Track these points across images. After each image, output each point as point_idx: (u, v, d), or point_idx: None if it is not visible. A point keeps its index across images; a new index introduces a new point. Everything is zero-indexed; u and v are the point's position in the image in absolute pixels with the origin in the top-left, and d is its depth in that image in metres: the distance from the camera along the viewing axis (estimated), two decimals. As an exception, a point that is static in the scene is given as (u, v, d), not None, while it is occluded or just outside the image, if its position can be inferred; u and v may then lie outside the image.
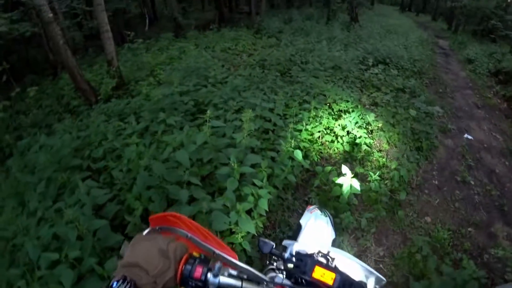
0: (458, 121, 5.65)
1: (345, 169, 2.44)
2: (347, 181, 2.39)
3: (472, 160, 4.35)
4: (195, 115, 3.89)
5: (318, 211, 1.69)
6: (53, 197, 2.60)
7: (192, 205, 2.26)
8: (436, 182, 3.79)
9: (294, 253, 0.94)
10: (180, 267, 0.70)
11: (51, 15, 5.02)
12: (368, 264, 1.03)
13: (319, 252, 1.01)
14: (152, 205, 2.41)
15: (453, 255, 2.79)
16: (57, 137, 3.55)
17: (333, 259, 1.01)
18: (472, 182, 3.89)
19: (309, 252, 1.01)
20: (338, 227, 2.72)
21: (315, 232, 1.50)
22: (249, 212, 2.45)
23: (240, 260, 0.83)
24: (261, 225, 2.48)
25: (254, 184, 2.49)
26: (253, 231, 2.24)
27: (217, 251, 0.79)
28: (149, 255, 0.68)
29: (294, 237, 1.62)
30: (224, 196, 2.37)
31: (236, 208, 2.22)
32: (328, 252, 1.01)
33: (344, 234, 2.80)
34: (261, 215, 2.46)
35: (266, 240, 0.94)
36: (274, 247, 0.95)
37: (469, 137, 5.07)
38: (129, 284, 0.60)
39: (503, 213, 3.47)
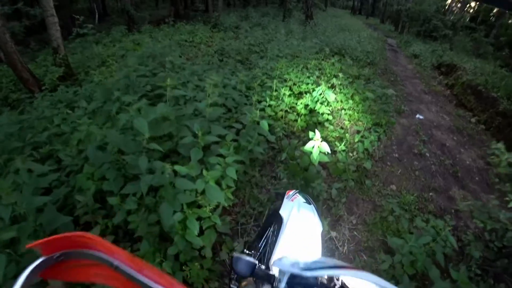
0: (410, 104, 6.00)
1: (314, 133, 2.39)
2: (317, 143, 2.33)
3: (425, 136, 4.60)
4: (153, 98, 3.64)
5: (300, 198, 1.49)
6: None
7: (152, 175, 2.03)
8: (397, 155, 3.92)
9: (287, 275, 0.67)
10: None
11: None
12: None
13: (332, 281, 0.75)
14: (106, 183, 2.15)
15: (420, 216, 2.86)
16: None
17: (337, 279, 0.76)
18: (428, 154, 4.10)
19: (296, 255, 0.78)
20: (311, 197, 2.65)
21: (301, 227, 1.27)
22: (217, 184, 2.29)
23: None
24: (231, 197, 2.32)
25: (220, 156, 2.33)
26: (222, 201, 2.07)
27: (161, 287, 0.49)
28: None
29: (276, 230, 1.41)
30: (188, 166, 2.18)
31: (203, 177, 2.03)
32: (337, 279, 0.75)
33: (318, 204, 2.73)
34: (229, 187, 2.30)
35: (244, 256, 0.68)
36: (257, 266, 0.69)
37: (421, 117, 5.38)
38: None
39: (457, 179, 3.69)
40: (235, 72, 4.38)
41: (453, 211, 3.08)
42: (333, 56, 7.01)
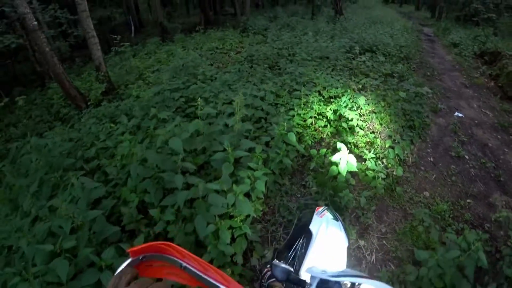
0: (447, 100, 5.71)
1: (340, 144, 2.43)
2: (344, 157, 2.38)
3: (464, 136, 4.38)
4: (186, 111, 3.87)
5: (329, 215, 1.62)
6: (47, 197, 2.57)
7: (188, 191, 2.22)
8: (431, 159, 3.80)
9: (317, 283, 0.79)
10: None
11: (35, 22, 5.00)
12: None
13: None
14: (148, 196, 2.40)
15: (454, 225, 2.80)
16: (48, 139, 3.51)
17: None
18: (467, 157, 3.92)
19: (324, 267, 0.89)
20: (338, 206, 2.71)
21: (328, 242, 1.42)
22: (247, 196, 2.43)
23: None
24: (260, 208, 2.46)
25: (250, 168, 2.47)
26: (251, 213, 2.22)
27: (222, 286, 0.61)
28: None
29: (306, 244, 1.56)
30: (220, 181, 2.34)
31: (233, 191, 2.19)
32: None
33: (345, 214, 2.78)
34: (259, 198, 2.43)
35: (281, 263, 0.79)
36: (292, 272, 0.81)
37: (460, 114, 5.11)
38: None
39: (499, 184, 3.49)
40: (264, 80, 4.48)
41: (492, 219, 2.95)
42: (364, 53, 6.84)
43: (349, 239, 1.59)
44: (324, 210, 1.72)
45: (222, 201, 2.11)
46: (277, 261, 0.84)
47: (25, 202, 2.41)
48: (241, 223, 2.30)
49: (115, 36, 6.95)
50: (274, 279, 1.15)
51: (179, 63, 5.63)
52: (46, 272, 1.68)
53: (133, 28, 15.01)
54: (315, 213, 1.70)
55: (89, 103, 5.58)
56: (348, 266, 1.43)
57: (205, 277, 0.61)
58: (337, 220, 1.63)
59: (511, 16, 13.35)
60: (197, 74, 5.03)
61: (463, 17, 15.90)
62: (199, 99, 2.61)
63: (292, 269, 0.82)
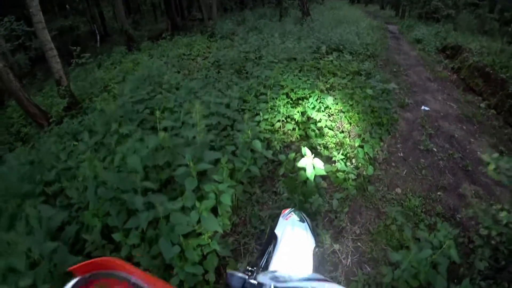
0: (414, 95, 5.84)
1: (305, 150, 2.36)
2: (309, 162, 2.30)
3: (432, 129, 4.46)
4: (152, 123, 3.69)
5: (295, 216, 1.57)
6: (4, 228, 2.34)
7: (149, 211, 2.07)
8: (401, 154, 3.82)
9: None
10: None
11: None
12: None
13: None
14: (110, 219, 2.23)
15: (427, 220, 2.79)
16: (4, 165, 3.24)
17: None
18: (435, 149, 3.97)
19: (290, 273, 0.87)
20: (309, 212, 2.63)
21: (294, 245, 1.36)
22: (215, 210, 2.31)
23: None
24: (228, 222, 2.33)
25: (215, 181, 2.34)
26: (218, 229, 2.09)
27: None
28: None
29: (271, 246, 1.50)
30: (183, 197, 2.20)
31: (196, 207, 2.05)
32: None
33: (318, 218, 2.71)
34: (226, 212, 2.31)
35: (236, 272, 0.81)
36: (246, 280, 0.80)
37: (426, 108, 5.22)
38: None
39: (468, 173, 3.55)
40: (231, 86, 4.37)
41: (463, 210, 2.97)
42: (331, 53, 6.90)
43: (316, 239, 1.51)
44: (290, 212, 1.65)
45: (185, 220, 1.97)
46: (232, 271, 0.84)
47: None
48: (210, 240, 2.17)
49: (75, 48, 6.63)
50: None
51: (144, 72, 5.42)
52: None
53: (98, 37, 14.51)
54: (281, 216, 1.63)
55: (51, 120, 5.25)
56: (315, 268, 1.35)
57: None
58: (303, 222, 1.56)
59: (469, 12, 14.06)
60: (162, 83, 4.85)
61: (425, 14, 16.56)
62: (157, 111, 2.46)
63: (246, 277, 0.81)
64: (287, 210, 1.66)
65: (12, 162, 3.27)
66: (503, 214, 2.26)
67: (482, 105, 5.58)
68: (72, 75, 8.57)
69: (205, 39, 9.91)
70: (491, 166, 2.03)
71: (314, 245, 1.41)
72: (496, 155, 2.07)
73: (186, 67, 6.88)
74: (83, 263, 0.63)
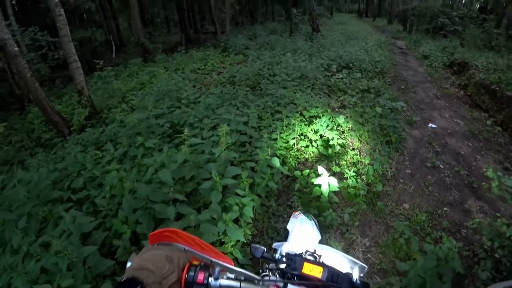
0: (421, 112, 6.04)
1: (321, 169, 2.58)
2: (325, 180, 2.53)
3: (438, 146, 4.65)
4: (172, 136, 3.96)
5: (303, 216, 1.79)
6: (35, 231, 2.54)
7: (180, 221, 2.31)
8: (409, 171, 4.02)
9: (284, 254, 1.03)
10: (184, 274, 0.75)
11: (16, 48, 5.00)
12: (353, 256, 1.15)
13: (307, 251, 1.12)
14: (140, 227, 2.45)
15: (433, 234, 2.97)
16: (33, 172, 3.49)
17: (320, 256, 1.13)
18: (442, 166, 4.16)
19: (298, 252, 1.11)
20: (323, 225, 2.84)
21: (302, 235, 1.59)
22: (236, 221, 2.53)
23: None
24: (249, 233, 2.56)
25: (237, 195, 2.58)
26: (241, 239, 2.32)
27: (214, 260, 0.87)
28: (156, 259, 0.73)
29: (283, 241, 1.70)
30: (210, 209, 2.44)
31: (223, 219, 2.29)
32: (315, 250, 1.12)
33: (330, 231, 2.91)
34: (248, 223, 2.54)
35: (257, 245, 1.03)
36: (265, 251, 1.03)
37: (433, 126, 5.42)
38: (137, 282, 0.65)
39: (473, 190, 3.72)
40: (246, 103, 4.65)
41: (468, 225, 3.15)
42: (341, 70, 7.17)
43: (321, 234, 1.74)
44: (299, 213, 1.91)
45: (213, 230, 2.21)
46: (254, 244, 1.05)
47: (14, 239, 2.39)
48: (232, 249, 2.40)
49: (98, 61, 7.01)
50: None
51: (163, 87, 5.74)
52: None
53: (114, 48, 15.07)
54: (292, 216, 1.86)
55: (72, 129, 5.55)
56: None
57: (201, 254, 0.88)
58: (311, 220, 1.81)
59: (476, 27, 14.22)
60: (180, 98, 5.15)
61: (432, 30, 16.80)
62: (185, 130, 2.73)
63: (265, 249, 1.03)
64: (297, 212, 1.92)
65: (40, 170, 3.52)
66: (506, 228, 2.44)
67: (489, 122, 5.74)
68: (90, 86, 8.96)
69: (218, 54, 10.29)
70: (495, 184, 2.22)
71: (319, 238, 1.63)
72: (499, 173, 2.26)
73: (202, 82, 7.21)
74: (158, 231, 0.87)
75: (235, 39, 11.97)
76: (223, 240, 2.38)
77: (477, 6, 19.14)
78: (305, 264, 0.95)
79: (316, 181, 2.58)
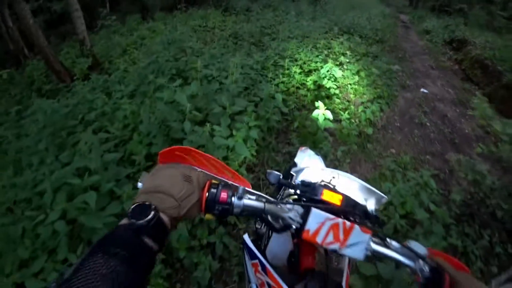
0: (415, 79, 6.30)
1: (319, 103, 2.87)
2: (321, 112, 2.82)
3: (427, 108, 4.97)
4: (181, 76, 4.13)
5: (311, 151, 1.80)
6: (55, 153, 2.64)
7: (194, 134, 2.55)
8: (398, 124, 4.35)
9: (300, 181, 0.98)
10: (205, 192, 0.68)
11: None
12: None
13: (322, 180, 1.08)
14: (155, 147, 2.68)
15: (416, 173, 3.34)
16: (47, 104, 3.63)
17: (335, 185, 1.08)
18: (428, 124, 4.50)
19: (313, 180, 1.08)
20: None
21: (312, 166, 1.63)
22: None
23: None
24: (254, 153, 2.86)
25: (244, 122, 2.86)
26: (248, 155, 2.62)
27: (231, 182, 0.77)
28: (172, 180, 0.64)
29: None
30: (219, 129, 2.71)
31: (232, 136, 2.57)
32: (331, 179, 1.08)
33: (324, 162, 3.25)
34: (252, 146, 2.84)
35: (274, 171, 0.98)
36: (281, 177, 0.99)
37: (425, 91, 5.71)
38: (150, 208, 0.57)
39: (454, 145, 4.09)
40: (250, 54, 4.83)
41: (447, 170, 3.52)
42: (342, 35, 7.30)
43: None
44: (306, 148, 2.12)
45: (225, 143, 2.49)
46: (269, 170, 1.01)
47: (34, 159, 2.53)
48: (239, 167, 2.71)
49: (101, 9, 6.96)
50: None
51: (167, 38, 5.82)
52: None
53: (108, 4, 14.61)
54: (299, 151, 2.11)
55: (74, 78, 5.62)
56: None
57: (217, 176, 0.77)
58: (318, 155, 2.05)
59: (482, 7, 14.21)
60: (185, 48, 5.28)
61: (438, 7, 16.65)
62: (198, 62, 2.94)
63: (281, 174, 0.98)
64: (304, 147, 2.14)
65: (54, 104, 3.57)
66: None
67: (477, 93, 6.06)
68: (90, 39, 8.87)
69: (219, 13, 10.19)
70: (479, 112, 2.56)
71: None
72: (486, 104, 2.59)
73: (204, 38, 7.27)
74: (167, 149, 0.74)
75: (237, 0, 11.79)
76: (230, 158, 2.68)
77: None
78: (325, 191, 0.90)
79: (314, 113, 2.86)
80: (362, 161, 3.47)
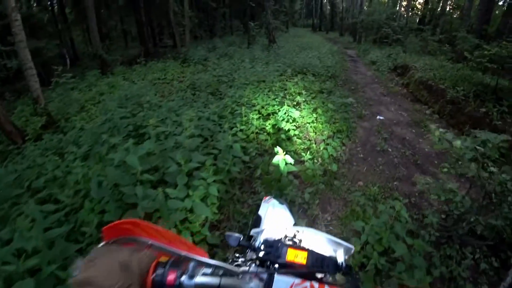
0: (370, 108, 6.60)
1: (278, 149, 2.81)
2: (281, 157, 2.75)
3: (386, 134, 5.13)
4: (136, 138, 3.98)
5: (275, 200, 1.78)
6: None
7: (147, 200, 2.34)
8: (361, 155, 4.40)
9: (262, 241, 0.93)
10: (149, 277, 0.63)
11: None
12: (333, 235, 1.02)
13: (286, 236, 1.03)
14: (107, 215, 2.43)
15: (386, 204, 3.28)
16: None
17: (300, 240, 1.04)
18: (390, 150, 4.60)
19: (277, 238, 1.03)
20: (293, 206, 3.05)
21: (276, 219, 1.55)
22: (202, 201, 2.64)
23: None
24: (216, 212, 2.67)
25: (202, 179, 2.71)
26: (209, 215, 2.43)
27: (184, 253, 0.70)
28: (107, 270, 0.59)
29: (256, 227, 1.66)
30: (177, 189, 2.53)
31: (189, 196, 2.39)
32: (295, 234, 1.04)
33: (293, 208, 3.12)
34: (213, 203, 2.66)
35: (233, 233, 0.94)
36: (242, 239, 0.94)
37: (381, 117, 5.96)
38: None
39: (418, 166, 4.17)
40: (207, 105, 4.82)
41: (416, 194, 3.53)
42: (296, 75, 7.63)
43: (294, 218, 1.88)
44: (270, 198, 1.99)
45: (181, 205, 2.30)
46: (229, 232, 0.95)
47: None
48: (201, 228, 2.50)
49: (56, 67, 6.80)
50: None
51: (125, 93, 5.74)
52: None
53: (68, 60, 14.56)
54: (263, 201, 1.97)
55: (26, 138, 5.29)
56: None
57: (169, 248, 0.69)
58: (282, 204, 1.92)
59: (415, 35, 15.89)
60: (142, 103, 5.20)
61: (378, 39, 18.34)
62: (150, 120, 2.82)
63: (241, 236, 0.93)
64: (268, 197, 2.01)
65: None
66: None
67: (428, 111, 6.44)
68: (46, 95, 8.54)
69: (178, 65, 10.41)
70: (435, 137, 2.60)
71: (293, 221, 1.60)
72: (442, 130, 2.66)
73: (163, 90, 7.28)
74: (114, 223, 0.68)
75: (195, 51, 12.18)
76: (190, 219, 2.48)
77: (417, 19, 21.36)
78: (289, 250, 0.85)
79: (274, 159, 2.79)
80: (332, 200, 3.39)
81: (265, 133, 4.26)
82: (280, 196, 3.07)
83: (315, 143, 4.32)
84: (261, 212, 1.69)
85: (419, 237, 2.64)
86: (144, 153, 2.65)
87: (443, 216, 3.03)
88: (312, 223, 3.05)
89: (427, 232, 2.69)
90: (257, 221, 2.01)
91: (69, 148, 3.57)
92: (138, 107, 4.95)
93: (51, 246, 2.04)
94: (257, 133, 4.19)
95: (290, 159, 2.79)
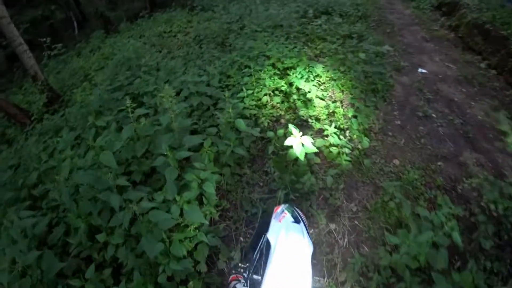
0: (410, 57, 5.51)
1: (291, 128, 2.13)
2: (297, 141, 2.09)
3: (430, 93, 4.20)
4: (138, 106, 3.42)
5: (288, 216, 1.41)
6: None
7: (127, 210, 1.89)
8: (399, 122, 3.60)
9: None
10: None
11: None
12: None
13: None
14: (94, 218, 2.09)
15: (427, 194, 2.62)
16: None
17: None
18: (434, 115, 3.74)
19: None
20: (301, 192, 2.46)
21: (289, 252, 1.23)
22: (200, 200, 2.14)
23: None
24: (215, 211, 2.16)
25: (196, 170, 2.14)
26: (203, 221, 1.92)
27: None
28: None
29: (264, 256, 1.38)
30: (163, 190, 2.02)
31: (177, 201, 1.86)
32: None
33: (311, 198, 2.54)
34: (212, 200, 2.13)
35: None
36: None
37: (423, 71, 4.94)
38: None
39: (468, 140, 3.34)
40: (212, 61, 4.05)
41: (464, 179, 2.81)
42: (319, 16, 6.46)
43: (313, 243, 1.36)
44: (283, 211, 1.48)
45: (166, 216, 1.79)
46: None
47: None
48: (197, 231, 2.02)
49: (44, 39, 6.14)
50: None
51: (121, 56, 5.06)
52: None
53: (75, 24, 13.63)
54: (273, 217, 1.46)
55: (32, 118, 4.93)
56: (314, 274, 1.21)
57: None
58: (299, 223, 1.40)
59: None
60: (140, 65, 4.53)
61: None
62: (127, 100, 2.21)
63: None
64: (280, 208, 1.49)
65: None
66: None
67: (482, 65, 5.27)
68: (49, 68, 8.09)
69: (185, 13, 9.29)
70: (510, 139, 1.83)
71: (311, 249, 1.28)
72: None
73: (167, 45, 6.46)
74: None
75: (204, -5, 10.83)
76: (184, 224, 1.99)
77: None
78: None
79: (286, 142, 2.14)
80: (360, 184, 2.75)
81: (281, 94, 3.52)
82: (295, 182, 2.47)
83: (342, 106, 3.55)
84: (271, 236, 1.36)
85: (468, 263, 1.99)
86: (124, 143, 2.09)
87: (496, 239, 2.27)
88: (333, 215, 2.49)
89: (475, 257, 2.04)
90: (263, 230, 1.56)
91: (63, 132, 3.17)
92: (137, 71, 4.30)
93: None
94: (271, 94, 3.46)
95: (308, 142, 2.12)
